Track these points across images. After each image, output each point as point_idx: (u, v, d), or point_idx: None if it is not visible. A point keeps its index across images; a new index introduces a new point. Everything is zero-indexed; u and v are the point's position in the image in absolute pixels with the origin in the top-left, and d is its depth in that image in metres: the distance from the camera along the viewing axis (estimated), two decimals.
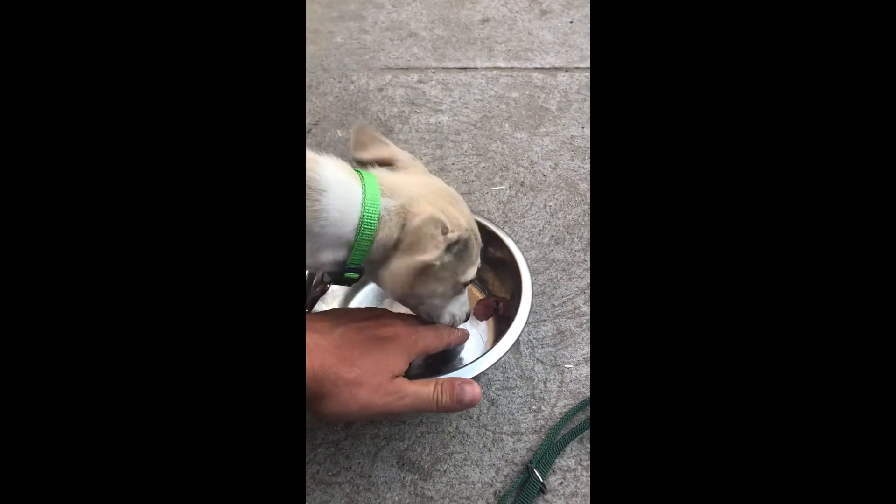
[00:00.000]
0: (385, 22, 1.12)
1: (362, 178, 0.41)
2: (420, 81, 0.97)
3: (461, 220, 0.42)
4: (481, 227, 0.56)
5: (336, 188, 0.38)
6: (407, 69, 1.00)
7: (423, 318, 0.48)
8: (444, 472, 0.51)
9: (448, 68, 0.99)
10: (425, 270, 0.41)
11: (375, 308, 0.46)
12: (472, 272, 0.45)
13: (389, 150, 0.47)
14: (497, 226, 0.59)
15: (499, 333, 0.53)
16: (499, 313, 0.58)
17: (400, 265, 0.40)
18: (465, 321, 0.50)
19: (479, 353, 0.54)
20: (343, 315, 0.45)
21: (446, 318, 0.48)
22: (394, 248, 0.40)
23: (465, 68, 0.99)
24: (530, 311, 0.51)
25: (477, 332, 0.57)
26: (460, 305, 0.49)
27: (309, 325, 0.41)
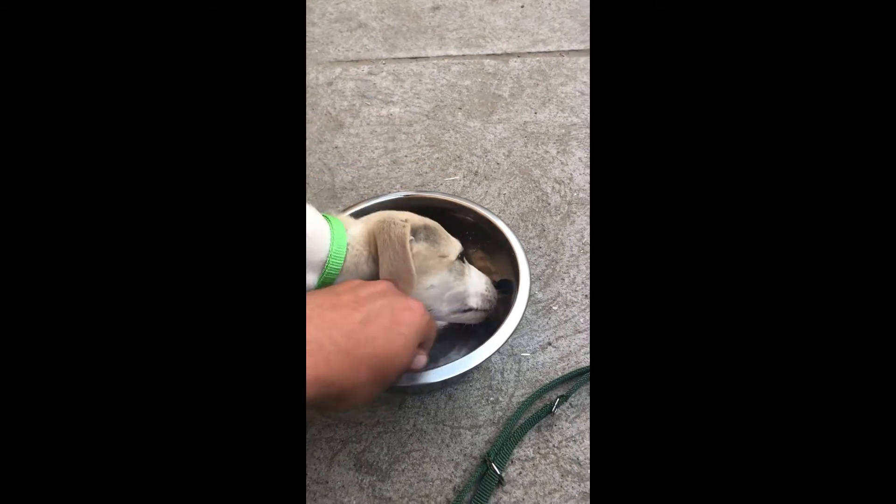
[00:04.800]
0: (333, 13, 1.10)
1: (329, 220, 0.45)
2: (370, 73, 0.94)
3: (411, 216, 0.46)
4: (481, 216, 0.60)
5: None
6: (357, 61, 0.97)
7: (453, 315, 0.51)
8: (403, 471, 0.50)
9: (399, 59, 0.97)
10: (417, 262, 0.45)
11: (388, 283, 0.43)
12: (455, 245, 0.49)
13: None
14: (493, 213, 0.60)
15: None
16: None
17: (385, 265, 0.43)
18: (495, 297, 0.52)
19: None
20: (358, 298, 0.40)
21: (474, 302, 0.50)
22: (368, 262, 0.45)
23: (416, 58, 0.97)
24: (528, 303, 0.52)
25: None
26: (482, 284, 0.51)
27: (321, 308, 0.38)
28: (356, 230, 0.45)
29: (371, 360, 0.37)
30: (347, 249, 0.44)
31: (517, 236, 0.58)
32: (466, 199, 0.62)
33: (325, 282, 0.44)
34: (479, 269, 0.58)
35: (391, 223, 0.44)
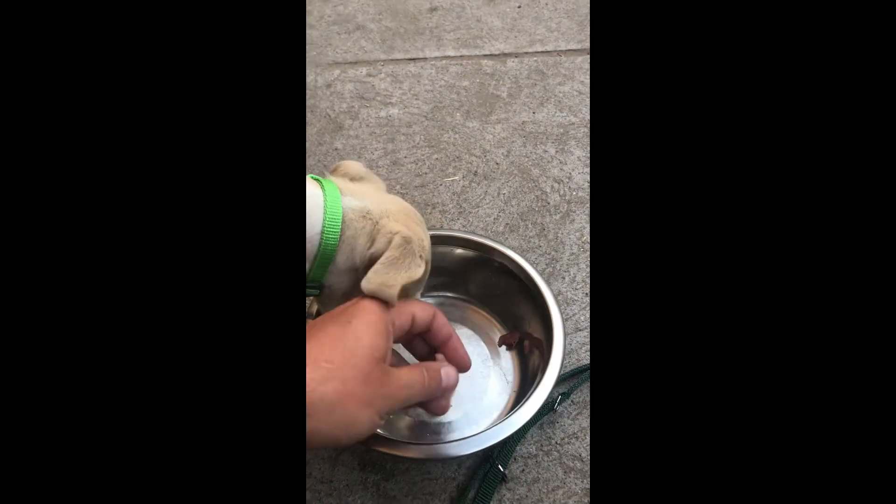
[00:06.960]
0: (331, 16, 1.10)
1: (321, 183, 0.41)
2: (369, 75, 0.95)
3: (425, 243, 0.43)
4: (524, 273, 0.55)
5: None
6: (355, 63, 0.98)
7: None
8: (407, 469, 0.50)
9: (397, 60, 0.98)
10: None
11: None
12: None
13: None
14: (535, 269, 0.55)
15: (523, 376, 0.53)
16: (524, 351, 0.55)
17: (377, 280, 0.38)
18: None
19: (505, 392, 0.53)
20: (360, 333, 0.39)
21: None
22: (365, 257, 0.40)
23: (414, 59, 0.98)
24: (560, 368, 0.48)
25: (501, 372, 0.55)
26: None
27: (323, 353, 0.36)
28: (354, 203, 0.41)
29: (378, 401, 0.37)
30: (344, 227, 0.40)
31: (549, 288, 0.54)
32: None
33: (324, 255, 0.40)
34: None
35: (413, 257, 0.40)
